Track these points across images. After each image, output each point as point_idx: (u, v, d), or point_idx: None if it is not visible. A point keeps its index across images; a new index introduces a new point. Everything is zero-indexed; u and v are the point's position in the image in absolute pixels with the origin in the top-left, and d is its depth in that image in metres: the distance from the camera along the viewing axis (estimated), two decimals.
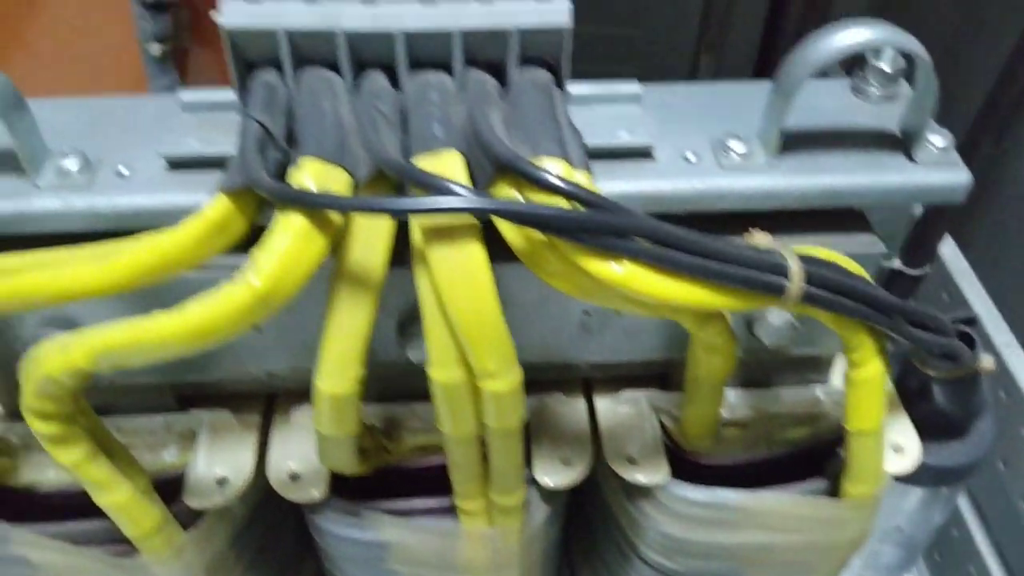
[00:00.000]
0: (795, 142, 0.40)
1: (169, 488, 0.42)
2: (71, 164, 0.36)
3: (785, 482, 0.46)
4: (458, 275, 0.30)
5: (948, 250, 0.76)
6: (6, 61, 0.65)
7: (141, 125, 0.39)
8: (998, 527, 0.70)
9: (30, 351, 0.33)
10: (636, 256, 0.30)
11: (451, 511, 0.44)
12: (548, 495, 0.44)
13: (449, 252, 0.30)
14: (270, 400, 0.46)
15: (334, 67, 0.34)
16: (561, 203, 0.30)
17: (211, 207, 0.31)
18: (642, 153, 0.39)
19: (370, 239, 0.31)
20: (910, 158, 0.39)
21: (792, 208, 0.39)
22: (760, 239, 0.34)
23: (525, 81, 0.34)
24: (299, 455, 0.43)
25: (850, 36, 0.35)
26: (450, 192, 0.29)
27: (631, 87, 0.41)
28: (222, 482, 0.42)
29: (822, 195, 0.38)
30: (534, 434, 0.45)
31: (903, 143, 0.40)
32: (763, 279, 0.32)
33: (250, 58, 0.34)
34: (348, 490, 0.43)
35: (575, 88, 0.40)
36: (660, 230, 0.30)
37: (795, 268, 0.33)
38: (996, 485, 0.68)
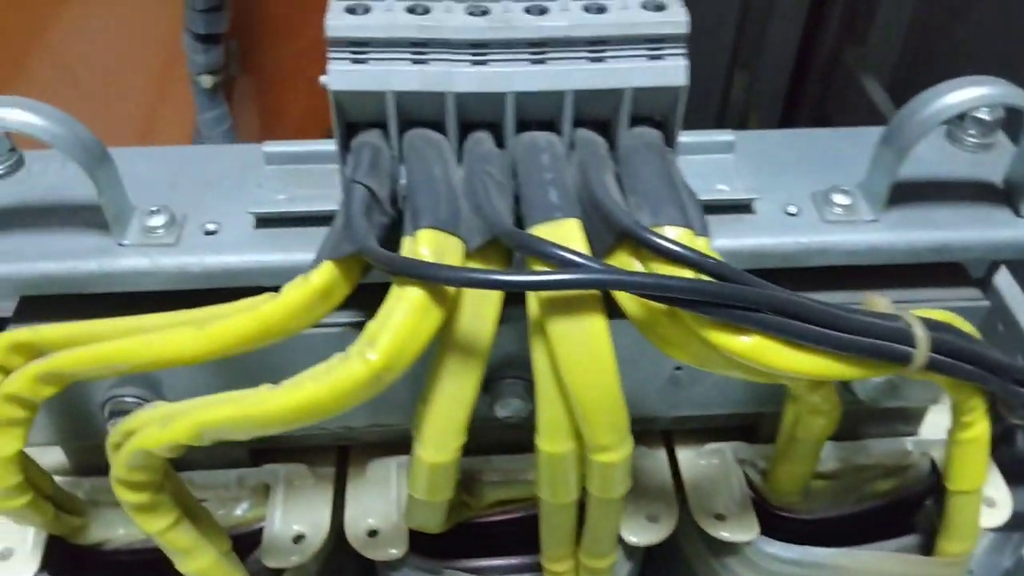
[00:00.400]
0: (896, 193, 0.38)
1: (242, 543, 0.41)
2: (157, 221, 0.35)
3: (872, 536, 0.44)
4: (580, 349, 0.29)
5: (1003, 280, 0.75)
6: (53, 95, 0.64)
7: (225, 177, 0.38)
8: None
9: (123, 423, 0.32)
10: (765, 329, 0.29)
11: (532, 569, 0.42)
12: (631, 551, 0.43)
13: (571, 325, 0.29)
14: (343, 452, 0.44)
15: (439, 126, 0.33)
16: (687, 273, 0.29)
17: (317, 274, 0.30)
18: (743, 207, 0.37)
19: (480, 308, 0.30)
20: (1016, 212, 0.38)
21: (896, 263, 0.38)
22: (879, 303, 0.33)
23: (636, 141, 0.32)
24: (377, 511, 0.42)
25: (966, 94, 0.34)
26: (578, 266, 0.27)
27: (725, 135, 0.40)
28: (299, 539, 0.41)
29: (930, 251, 0.37)
30: None
31: (1007, 195, 0.39)
32: (890, 349, 0.31)
33: (354, 119, 0.33)
34: (425, 545, 0.42)
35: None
36: (790, 302, 0.29)
37: (921, 335, 0.31)
38: None
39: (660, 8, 0.31)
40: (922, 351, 0.31)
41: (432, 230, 0.29)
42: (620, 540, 0.42)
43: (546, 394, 0.31)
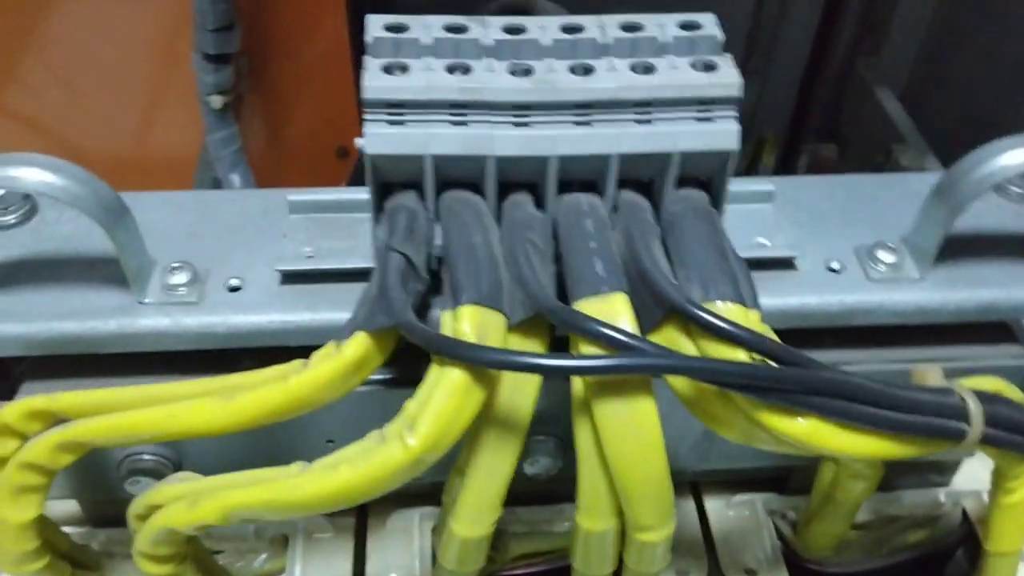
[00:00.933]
0: (943, 248, 0.37)
1: None
2: (179, 278, 0.33)
3: None
4: (629, 432, 0.28)
5: None
6: (61, 115, 0.62)
7: (247, 226, 0.36)
8: None
9: (147, 495, 0.30)
10: (821, 412, 0.28)
11: None
12: None
13: (620, 408, 0.27)
14: (363, 506, 0.43)
15: (476, 185, 0.31)
16: (740, 354, 0.27)
17: (351, 346, 0.29)
18: (785, 264, 0.36)
19: (521, 383, 0.29)
20: None
21: (943, 322, 0.37)
22: (930, 376, 0.32)
23: (683, 206, 0.31)
24: (400, 564, 0.41)
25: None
26: (631, 349, 0.26)
27: (764, 184, 0.38)
28: None
29: (977, 311, 0.36)
30: None
31: None
32: (944, 427, 0.30)
33: (389, 179, 0.31)
34: None
35: None
36: (846, 384, 0.28)
37: (975, 411, 0.30)
38: None
39: (711, 68, 0.30)
40: (976, 428, 0.30)
41: (474, 306, 0.27)
42: None
43: (589, 472, 0.29)
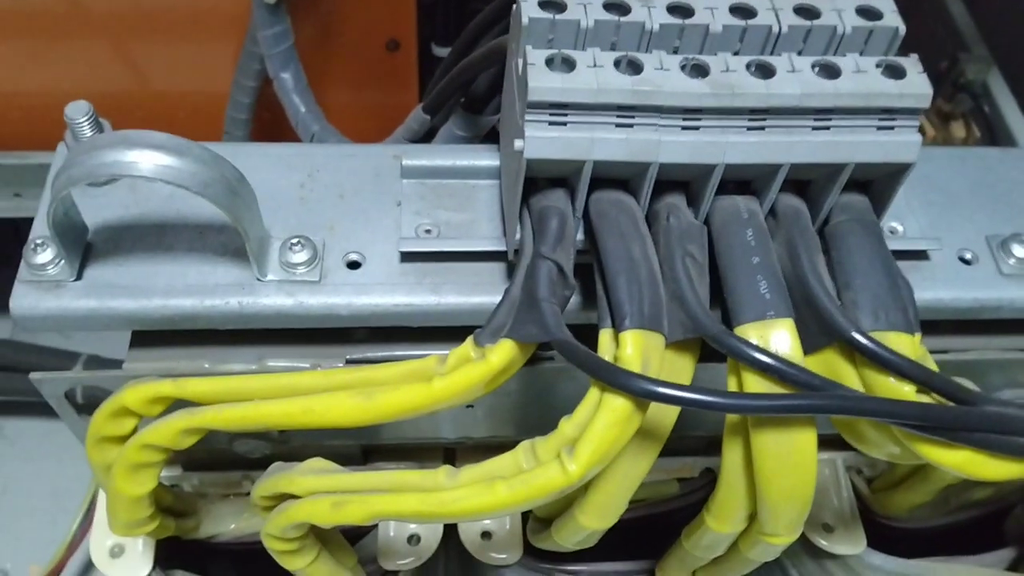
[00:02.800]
0: None
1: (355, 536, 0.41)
2: (300, 256, 0.32)
3: (967, 544, 0.45)
4: (786, 465, 0.27)
5: None
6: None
7: (360, 191, 0.34)
8: None
9: (278, 483, 0.30)
10: (978, 446, 0.27)
11: (641, 573, 0.43)
12: None
13: (780, 441, 0.27)
14: (451, 451, 0.43)
15: (626, 183, 0.29)
16: (908, 389, 0.27)
17: (497, 355, 0.28)
18: (920, 255, 0.35)
19: None
20: None
21: None
22: None
23: (847, 216, 0.29)
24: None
25: None
26: (801, 385, 0.25)
27: None
28: (414, 540, 0.41)
29: None
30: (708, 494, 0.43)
31: None
32: None
33: (538, 176, 0.29)
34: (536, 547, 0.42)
35: None
36: (1004, 418, 0.27)
37: None
38: None
39: (900, 74, 0.27)
40: None
41: (639, 331, 0.26)
42: None
43: (729, 486, 0.29)
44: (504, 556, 0.41)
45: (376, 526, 0.41)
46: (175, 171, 0.27)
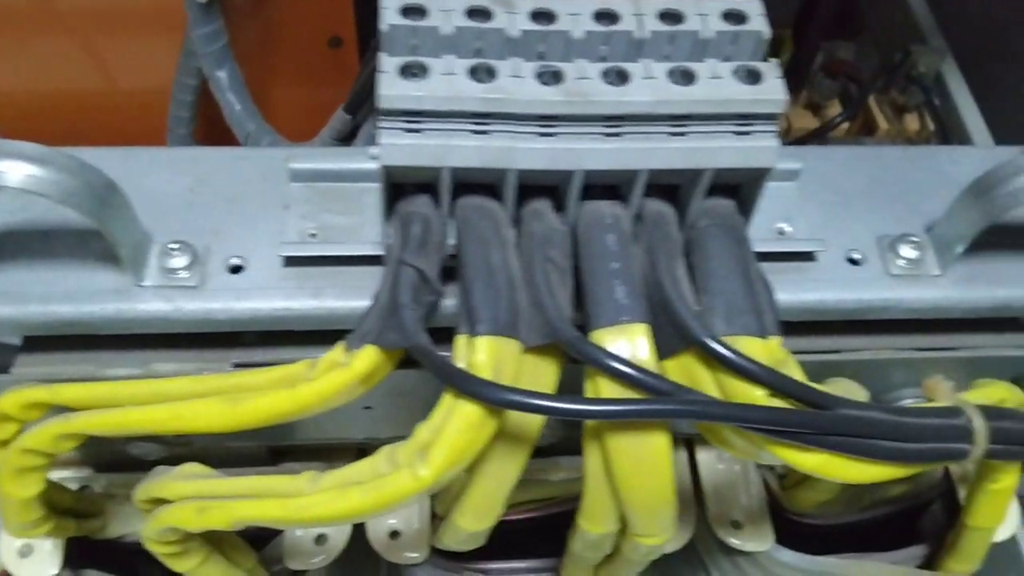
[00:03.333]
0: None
1: (263, 537, 0.41)
2: (179, 261, 0.32)
3: (881, 541, 0.46)
4: (640, 466, 0.28)
5: None
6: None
7: (247, 195, 0.34)
8: None
9: (152, 485, 0.31)
10: (832, 449, 0.28)
11: (549, 571, 0.43)
12: None
13: (633, 445, 0.27)
14: (363, 451, 0.43)
15: (494, 189, 0.29)
16: (759, 393, 0.27)
17: (360, 360, 0.28)
18: (806, 256, 0.35)
19: None
20: None
21: (955, 319, 0.36)
22: (940, 389, 0.32)
23: (711, 220, 0.30)
24: (399, 512, 0.42)
25: None
26: (655, 392, 0.26)
27: (790, 161, 0.37)
28: (321, 540, 0.41)
29: (992, 310, 0.36)
30: None
31: None
32: (950, 451, 0.30)
33: (401, 181, 0.29)
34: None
35: None
36: (858, 421, 0.28)
37: (980, 431, 0.30)
38: None
39: (756, 79, 0.28)
40: (980, 447, 0.30)
41: (491, 337, 0.27)
42: None
43: (595, 489, 0.30)
44: (414, 555, 0.41)
45: None
46: (37, 180, 0.28)
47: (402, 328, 0.27)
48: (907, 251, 0.35)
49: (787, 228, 0.36)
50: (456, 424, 0.26)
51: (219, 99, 0.59)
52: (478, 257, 0.28)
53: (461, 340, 0.27)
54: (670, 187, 0.30)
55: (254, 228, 0.34)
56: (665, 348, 0.28)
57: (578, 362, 0.28)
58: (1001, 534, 0.44)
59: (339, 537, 0.41)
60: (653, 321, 0.28)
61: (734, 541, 0.43)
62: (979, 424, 0.30)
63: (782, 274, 0.35)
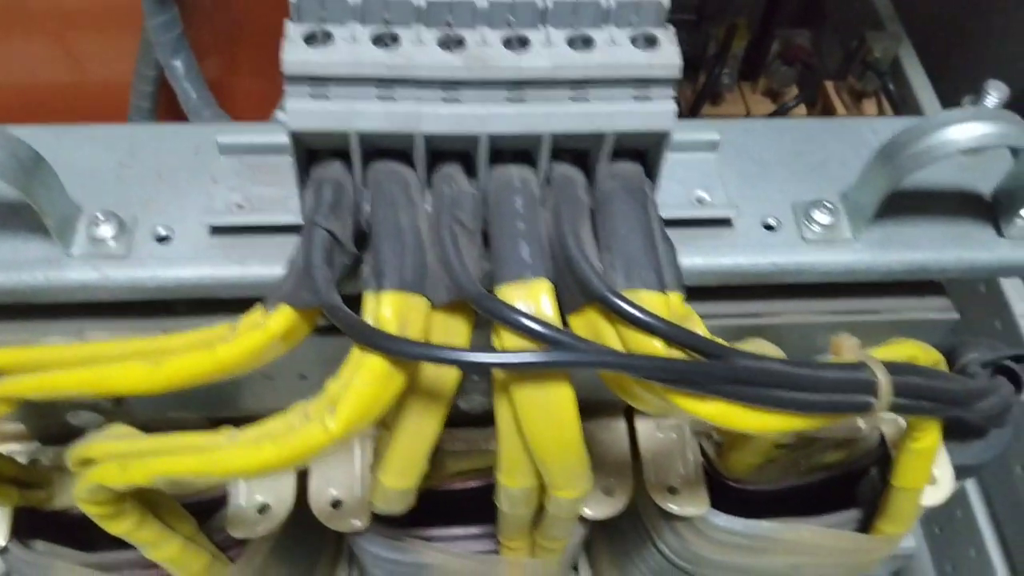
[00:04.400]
0: (882, 207, 0.37)
1: (208, 508, 0.42)
2: (106, 231, 0.33)
3: (820, 506, 0.47)
4: (546, 418, 0.29)
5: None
6: None
7: (176, 169, 0.35)
8: (1000, 506, 0.72)
9: (80, 448, 0.32)
10: (729, 398, 0.29)
11: (491, 536, 0.44)
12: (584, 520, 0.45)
13: (537, 396, 0.28)
14: None
15: (407, 155, 0.30)
16: (657, 344, 0.28)
17: (275, 320, 0.29)
18: (722, 223, 0.36)
19: None
20: (999, 231, 0.37)
21: (875, 281, 0.37)
22: (844, 346, 0.33)
23: (616, 183, 0.31)
24: (341, 482, 0.43)
25: (970, 131, 0.32)
26: (551, 343, 0.27)
27: (709, 132, 0.38)
28: (264, 510, 0.42)
29: (906, 272, 0.37)
30: None
31: (993, 211, 0.38)
32: (852, 403, 0.31)
33: (314, 147, 0.30)
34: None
35: None
36: (755, 370, 0.29)
37: (883, 384, 0.31)
38: (1003, 471, 0.70)
39: (652, 44, 0.29)
40: (883, 401, 0.31)
41: (397, 292, 0.28)
42: None
43: (508, 443, 0.31)
44: (357, 523, 0.42)
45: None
46: None
47: (314, 287, 0.28)
48: (821, 216, 0.36)
49: (705, 196, 0.37)
50: (362, 377, 0.27)
51: (176, 88, 0.60)
52: (386, 219, 0.29)
53: (368, 297, 0.28)
54: (580, 153, 0.31)
55: (182, 200, 0.35)
56: (570, 305, 0.29)
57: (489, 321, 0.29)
58: (933, 498, 0.45)
59: (281, 506, 0.42)
60: (557, 279, 0.29)
61: (671, 506, 0.44)
62: (882, 377, 0.31)
63: (699, 240, 0.36)
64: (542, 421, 0.29)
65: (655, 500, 0.44)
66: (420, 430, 0.31)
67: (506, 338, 0.28)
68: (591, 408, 0.46)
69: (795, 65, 0.80)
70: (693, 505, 0.44)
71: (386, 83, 0.28)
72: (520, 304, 0.28)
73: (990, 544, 0.73)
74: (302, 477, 0.43)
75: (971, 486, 0.75)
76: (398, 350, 0.26)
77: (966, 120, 0.33)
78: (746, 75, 0.82)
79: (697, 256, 0.35)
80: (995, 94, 0.39)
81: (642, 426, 0.46)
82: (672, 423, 0.46)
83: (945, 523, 0.79)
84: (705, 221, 0.36)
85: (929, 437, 0.38)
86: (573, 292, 0.29)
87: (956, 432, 0.53)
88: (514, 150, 0.31)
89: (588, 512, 0.43)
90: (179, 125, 0.37)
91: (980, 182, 0.38)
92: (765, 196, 0.37)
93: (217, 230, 0.34)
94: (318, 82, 0.28)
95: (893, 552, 0.46)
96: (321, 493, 0.43)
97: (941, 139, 0.32)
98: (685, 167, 0.37)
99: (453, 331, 0.30)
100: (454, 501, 0.45)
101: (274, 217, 0.33)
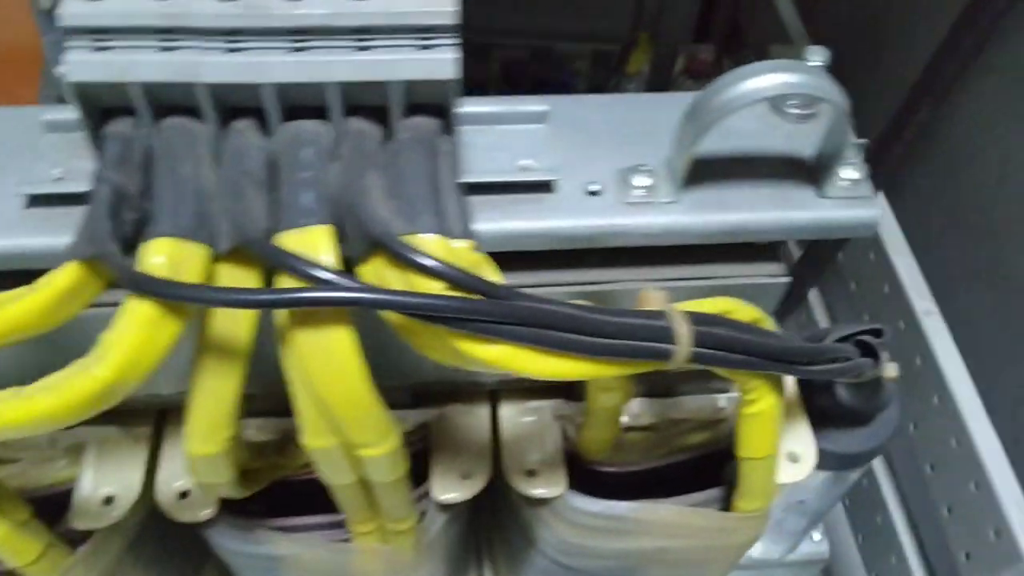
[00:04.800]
0: (703, 171, 0.38)
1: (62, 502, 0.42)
2: None
3: (685, 486, 0.46)
4: (325, 361, 0.29)
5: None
6: None
7: (2, 147, 0.36)
8: (908, 486, 0.72)
9: None
10: (512, 340, 0.29)
11: (343, 526, 0.44)
12: (444, 506, 0.44)
13: (315, 338, 0.28)
14: (162, 414, 0.44)
15: (199, 112, 0.31)
16: (436, 285, 0.28)
17: (59, 275, 0.29)
18: (544, 187, 0.36)
19: (233, 312, 0.29)
20: (820, 193, 0.38)
21: (695, 244, 0.38)
22: (651, 298, 0.33)
23: (407, 135, 0.31)
24: (187, 473, 0.42)
25: (767, 80, 0.33)
26: (314, 280, 0.27)
27: (538, 105, 0.39)
28: (109, 501, 0.42)
29: (725, 233, 0.37)
30: (433, 448, 0.44)
31: (814, 174, 0.38)
32: (648, 348, 0.31)
33: (105, 106, 0.31)
34: (239, 504, 0.43)
35: (478, 107, 0.38)
36: (539, 311, 0.29)
37: (683, 332, 0.31)
38: (906, 449, 0.70)
39: None
40: (683, 348, 0.31)
41: (168, 239, 0.28)
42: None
43: (301, 397, 0.31)
44: (206, 512, 0.42)
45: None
46: None
47: (92, 238, 0.28)
48: (641, 180, 0.37)
49: (532, 163, 0.37)
50: (127, 322, 0.27)
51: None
52: (167, 170, 0.29)
53: (141, 245, 0.28)
54: (377, 109, 0.32)
55: (2, 176, 0.35)
56: (357, 253, 0.29)
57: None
58: (794, 475, 0.45)
59: (127, 497, 0.42)
60: (344, 228, 0.29)
61: (527, 489, 0.43)
62: (682, 326, 0.31)
63: (521, 204, 0.36)
64: (323, 368, 0.29)
65: (512, 483, 0.44)
66: (218, 388, 0.31)
67: (282, 283, 0.28)
68: (454, 393, 0.46)
69: (701, 79, 0.82)
70: (550, 486, 0.43)
71: (167, 33, 0.28)
72: (298, 249, 0.28)
73: (908, 550, 0.73)
74: (151, 467, 0.43)
75: (888, 490, 0.75)
76: (159, 291, 0.27)
77: (764, 72, 0.33)
78: (655, 90, 0.84)
79: (518, 220, 0.36)
80: (816, 58, 0.39)
81: (506, 411, 0.46)
82: (533, 406, 0.46)
83: (868, 531, 0.79)
84: (527, 186, 0.36)
85: (764, 401, 0.38)
86: (359, 241, 0.29)
87: (836, 420, 0.53)
88: (309, 106, 0.31)
89: (443, 497, 0.43)
90: (5, 109, 0.37)
91: (808, 148, 0.39)
92: (590, 164, 0.38)
93: (35, 200, 0.34)
94: (99, 34, 0.28)
95: (757, 532, 0.46)
96: (168, 484, 0.42)
97: (740, 90, 0.33)
98: (514, 137, 0.38)
99: (239, 281, 0.30)
100: (310, 490, 0.44)
101: (87, 186, 0.34)
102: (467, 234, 0.30)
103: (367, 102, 0.31)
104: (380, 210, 0.29)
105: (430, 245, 0.29)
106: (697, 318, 0.32)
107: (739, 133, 0.40)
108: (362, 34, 0.29)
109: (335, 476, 0.35)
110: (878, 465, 0.76)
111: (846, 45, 0.86)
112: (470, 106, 0.38)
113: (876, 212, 0.38)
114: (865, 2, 0.81)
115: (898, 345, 0.69)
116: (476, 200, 0.36)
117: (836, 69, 0.79)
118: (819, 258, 0.79)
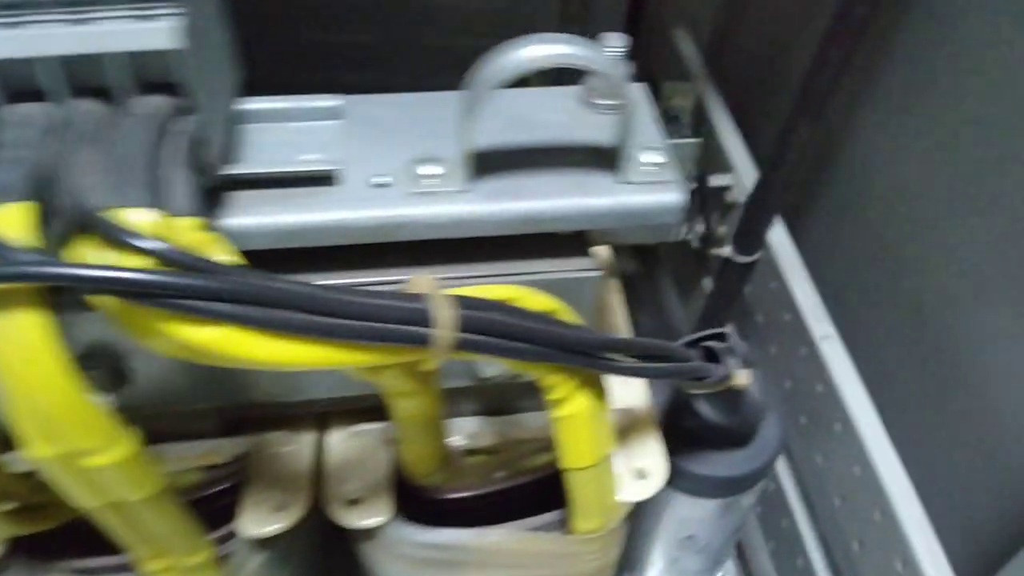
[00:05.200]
0: (502, 161, 0.36)
1: None
2: None
3: (533, 511, 0.43)
4: (15, 353, 0.26)
5: (776, 237, 0.74)
6: None
7: None
8: (823, 523, 0.69)
9: None
10: (233, 321, 0.26)
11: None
12: (261, 542, 0.41)
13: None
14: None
15: None
16: (144, 262, 0.26)
17: None
18: (325, 179, 0.35)
19: None
20: (619, 178, 0.36)
21: (493, 235, 0.36)
22: (421, 284, 0.31)
23: (139, 113, 0.29)
24: None
25: (535, 52, 0.32)
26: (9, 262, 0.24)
27: (333, 101, 0.37)
28: None
29: (520, 221, 0.35)
30: (244, 480, 0.41)
31: (616, 160, 0.36)
32: (402, 332, 0.28)
33: None
34: (32, 545, 0.39)
35: (267, 104, 0.37)
36: (265, 291, 0.26)
37: (443, 316, 0.29)
38: (817, 484, 0.67)
39: None
40: (445, 333, 0.29)
41: None
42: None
43: (9, 400, 0.27)
44: None
45: None
46: None
47: None
48: (429, 169, 0.35)
49: (312, 157, 0.35)
50: None
51: None
52: None
53: None
54: (106, 90, 0.30)
55: None
56: (67, 231, 0.27)
57: None
58: (640, 492, 0.42)
59: None
60: (50, 208, 0.27)
61: (346, 519, 0.40)
62: (443, 311, 0.29)
63: (303, 197, 0.34)
64: (13, 361, 0.26)
65: (330, 514, 0.40)
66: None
67: None
68: (277, 419, 0.43)
69: None
70: (372, 514, 0.40)
71: None
72: None
73: (814, 556, 0.70)
74: None
75: (807, 530, 0.72)
76: None
77: (532, 44, 0.32)
78: None
79: (300, 213, 0.34)
80: (615, 41, 0.38)
81: (334, 436, 0.43)
82: (359, 430, 0.43)
83: (780, 539, 0.75)
84: (309, 180, 0.34)
85: (575, 402, 0.35)
86: (65, 221, 0.27)
87: (711, 441, 0.50)
88: (34, 87, 0.29)
89: (253, 531, 0.40)
90: None
91: (612, 137, 0.38)
92: (380, 157, 0.36)
93: None
94: None
95: (605, 557, 0.43)
96: None
97: (506, 62, 0.32)
98: (305, 133, 0.37)
99: None
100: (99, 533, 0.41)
101: None
102: (194, 212, 0.28)
103: (96, 83, 0.30)
104: (87, 184, 0.27)
105: (139, 219, 0.26)
106: (467, 303, 0.30)
107: (546, 125, 0.38)
108: (79, 6, 0.28)
109: (79, 496, 0.31)
110: (795, 504, 0.73)
111: (755, 83, 0.86)
112: (258, 103, 0.37)
113: (679, 196, 0.36)
114: (772, 39, 0.81)
115: (803, 373, 0.67)
116: (251, 194, 0.34)
117: (741, 108, 0.79)
118: (727, 291, 0.77)
